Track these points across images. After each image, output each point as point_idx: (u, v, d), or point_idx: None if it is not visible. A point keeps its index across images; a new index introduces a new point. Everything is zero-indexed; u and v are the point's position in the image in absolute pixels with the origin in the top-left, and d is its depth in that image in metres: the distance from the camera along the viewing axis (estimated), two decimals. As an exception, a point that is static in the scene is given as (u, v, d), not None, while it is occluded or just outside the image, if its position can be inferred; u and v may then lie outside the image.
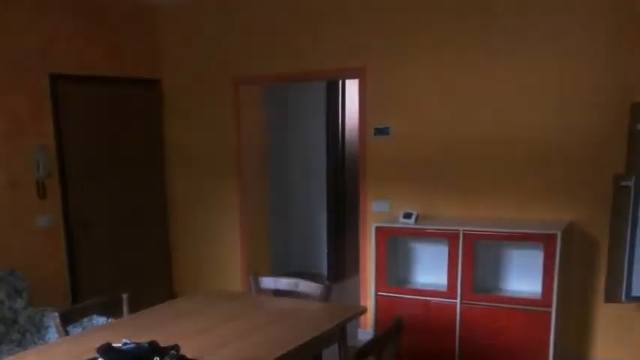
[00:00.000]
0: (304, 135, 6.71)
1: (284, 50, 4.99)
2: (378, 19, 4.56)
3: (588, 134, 3.99)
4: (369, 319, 4.62)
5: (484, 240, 4.04)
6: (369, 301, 4.53)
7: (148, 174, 5.53)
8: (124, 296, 3.34)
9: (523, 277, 4.09)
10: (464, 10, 4.26)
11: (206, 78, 5.38)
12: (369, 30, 4.61)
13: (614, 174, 3.70)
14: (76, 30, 4.81)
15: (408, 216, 4.23)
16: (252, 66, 5.14)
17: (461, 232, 3.98)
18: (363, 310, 3.76)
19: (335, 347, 3.19)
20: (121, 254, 5.24)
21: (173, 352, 2.47)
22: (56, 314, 3.06)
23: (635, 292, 3.64)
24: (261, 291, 3.67)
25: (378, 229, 4.26)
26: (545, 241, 3.77)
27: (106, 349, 2.45)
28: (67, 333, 3.06)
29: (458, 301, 4.03)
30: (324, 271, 6.75)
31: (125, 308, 3.34)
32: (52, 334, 3.64)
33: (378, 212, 4.69)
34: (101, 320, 3.59)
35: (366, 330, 4.78)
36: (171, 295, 5.35)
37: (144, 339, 2.53)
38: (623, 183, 3.61)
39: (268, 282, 3.69)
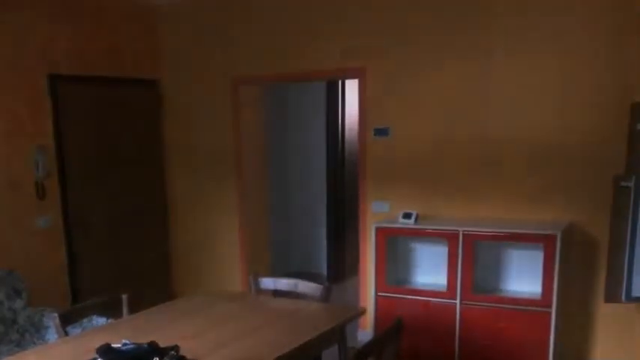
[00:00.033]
0: (304, 135, 6.71)
1: (284, 50, 4.98)
2: (378, 19, 4.55)
3: (588, 134, 3.98)
4: (368, 320, 4.61)
5: (484, 240, 4.03)
6: (368, 302, 4.53)
7: (148, 174, 5.53)
8: (124, 297, 3.34)
9: (523, 278, 4.09)
10: (464, 10, 4.26)
11: (206, 78, 5.37)
12: (369, 30, 4.60)
13: (614, 174, 3.70)
14: (75, 30, 4.81)
15: (407, 216, 4.22)
16: (252, 66, 5.14)
17: (460, 233, 3.97)
18: (363, 311, 3.77)
19: (335, 348, 3.18)
20: (120, 255, 5.23)
21: (173, 352, 2.47)
22: (56, 315, 3.06)
23: (635, 293, 3.63)
24: (260, 291, 3.66)
25: (377, 229, 4.26)
26: (545, 242, 3.77)
27: (106, 350, 2.45)
28: (66, 333, 3.06)
29: (458, 301, 4.03)
30: (324, 271, 6.75)
31: (125, 309, 3.33)
32: (52, 334, 3.63)
33: (377, 212, 4.69)
34: (101, 321, 3.59)
35: (365, 330, 4.78)
36: (170, 295, 5.34)
37: (143, 339, 2.53)
38: (623, 183, 3.61)
39: (268, 282, 3.68)
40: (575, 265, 4.07)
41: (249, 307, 3.45)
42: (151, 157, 5.54)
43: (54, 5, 4.64)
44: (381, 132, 4.65)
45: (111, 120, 5.13)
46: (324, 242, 6.75)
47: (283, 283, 3.66)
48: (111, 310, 3.37)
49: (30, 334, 3.89)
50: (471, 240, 3.97)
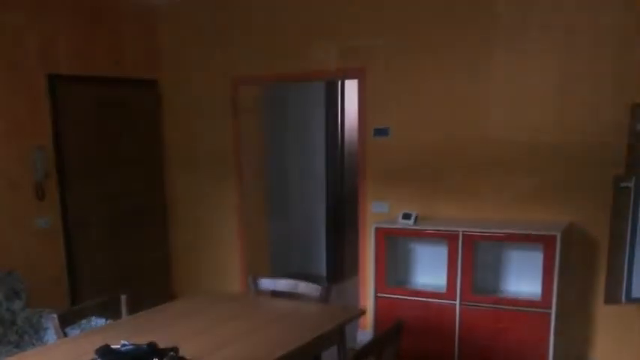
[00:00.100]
0: (303, 135, 6.70)
1: (284, 50, 4.98)
2: (377, 19, 4.55)
3: (588, 134, 3.98)
4: (368, 320, 4.61)
5: (483, 241, 4.03)
6: (368, 302, 4.52)
7: (147, 174, 5.53)
8: (123, 297, 3.33)
9: (523, 278, 4.08)
10: (464, 10, 4.25)
11: (206, 78, 5.37)
12: (368, 30, 4.60)
13: (614, 175, 3.70)
14: (74, 30, 4.80)
15: (407, 217, 4.22)
16: (252, 66, 5.13)
17: (460, 233, 3.97)
18: (362, 312, 3.76)
19: (334, 349, 3.18)
20: (119, 255, 5.23)
21: (172, 353, 2.46)
22: (54, 315, 3.05)
23: (635, 294, 3.63)
24: (260, 292, 3.66)
25: (377, 229, 4.25)
26: (545, 242, 3.76)
27: (105, 351, 2.45)
28: (65, 334, 3.05)
29: (457, 302, 4.02)
30: (323, 272, 6.74)
31: (124, 309, 3.33)
32: (51, 335, 3.63)
33: (377, 213, 4.69)
34: (100, 322, 3.58)
35: (365, 331, 4.77)
36: (170, 296, 5.34)
37: (143, 340, 2.52)
38: (623, 184, 3.61)
39: (267, 283, 3.68)
40: (574, 265, 4.06)
41: (249, 307, 3.45)
42: (150, 158, 5.54)
43: (53, 5, 4.63)
44: (380, 132, 4.64)
45: (110, 120, 5.13)
46: (324, 243, 6.74)
47: (283, 284, 3.66)
48: (110, 310, 3.36)
49: (29, 335, 3.88)
50: (470, 240, 3.96)
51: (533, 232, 3.84)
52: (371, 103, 4.68)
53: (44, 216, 4.62)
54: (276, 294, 3.65)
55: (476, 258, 4.01)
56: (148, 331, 2.89)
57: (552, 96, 4.07)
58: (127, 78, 5.26)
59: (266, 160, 5.77)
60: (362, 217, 4.84)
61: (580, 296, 4.12)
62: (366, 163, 4.76)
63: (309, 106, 6.63)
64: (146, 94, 5.46)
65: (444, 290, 4.08)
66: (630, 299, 3.66)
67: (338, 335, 3.13)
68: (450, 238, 4.02)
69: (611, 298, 3.75)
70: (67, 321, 3.11)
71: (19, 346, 3.78)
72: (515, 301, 3.92)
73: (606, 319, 4.06)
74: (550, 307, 3.76)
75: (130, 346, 2.47)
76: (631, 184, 3.56)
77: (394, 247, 4.40)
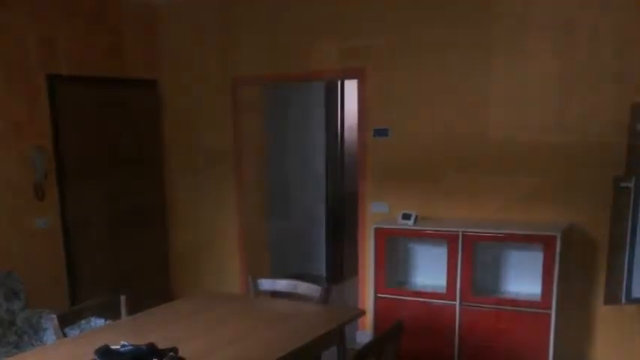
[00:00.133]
0: (303, 136, 6.70)
1: (284, 50, 4.97)
2: (377, 19, 4.55)
3: (588, 135, 3.97)
4: (368, 321, 4.60)
5: (483, 241, 4.02)
6: (368, 303, 4.52)
7: (147, 175, 5.52)
8: (122, 298, 3.33)
9: (523, 279, 4.08)
10: (464, 10, 4.25)
11: (206, 78, 5.37)
12: (368, 30, 4.60)
13: (614, 175, 3.69)
14: (74, 30, 4.80)
15: (407, 217, 4.22)
16: (252, 66, 5.13)
17: (460, 234, 3.96)
18: (362, 313, 3.75)
19: (334, 349, 3.18)
20: (119, 255, 5.23)
21: (171, 354, 2.46)
22: (54, 316, 3.05)
23: (635, 294, 3.62)
24: (259, 293, 3.65)
25: (377, 230, 4.25)
26: (544, 243, 3.76)
27: (104, 352, 2.44)
28: (64, 335, 3.05)
29: (457, 302, 4.02)
30: (323, 272, 6.74)
31: (123, 310, 3.32)
32: (50, 336, 3.62)
33: (377, 213, 4.68)
34: (99, 322, 3.58)
35: (365, 332, 4.77)
36: (169, 296, 5.33)
37: (142, 341, 2.52)
38: (623, 184, 3.60)
39: (267, 284, 3.67)
40: (574, 266, 4.06)
41: (248, 308, 3.44)
42: (150, 158, 5.53)
43: (53, 5, 4.63)
44: (380, 132, 4.64)
45: (110, 120, 5.12)
46: (324, 243, 6.74)
47: (282, 285, 3.65)
48: (109, 311, 3.36)
49: (28, 335, 3.88)
50: (470, 241, 3.96)
51: (533, 233, 3.84)
52: (371, 103, 4.68)
53: (44, 216, 4.62)
54: (275, 294, 3.65)
55: (476, 258, 4.01)
56: (147, 331, 2.89)
57: (552, 96, 4.07)
58: (127, 78, 5.25)
59: (266, 160, 5.77)
60: (362, 218, 4.83)
61: (580, 297, 4.11)
62: (366, 163, 4.76)
63: (309, 106, 6.63)
64: (146, 94, 5.45)
65: (443, 291, 4.07)
66: (630, 300, 3.65)
67: (338, 336, 3.12)
68: (449, 239, 4.01)
69: (611, 299, 3.74)
70: (66, 321, 3.11)
71: (18, 346, 3.78)
72: (515, 302, 3.92)
73: (606, 320, 4.06)
74: (550, 308, 3.76)
75: (130, 347, 2.46)
76: (631, 185, 3.55)
77: (394, 248, 4.39)
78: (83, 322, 3.56)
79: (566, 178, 4.07)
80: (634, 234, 3.58)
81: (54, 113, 4.65)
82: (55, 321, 3.03)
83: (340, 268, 6.71)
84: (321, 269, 6.76)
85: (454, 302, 4.03)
